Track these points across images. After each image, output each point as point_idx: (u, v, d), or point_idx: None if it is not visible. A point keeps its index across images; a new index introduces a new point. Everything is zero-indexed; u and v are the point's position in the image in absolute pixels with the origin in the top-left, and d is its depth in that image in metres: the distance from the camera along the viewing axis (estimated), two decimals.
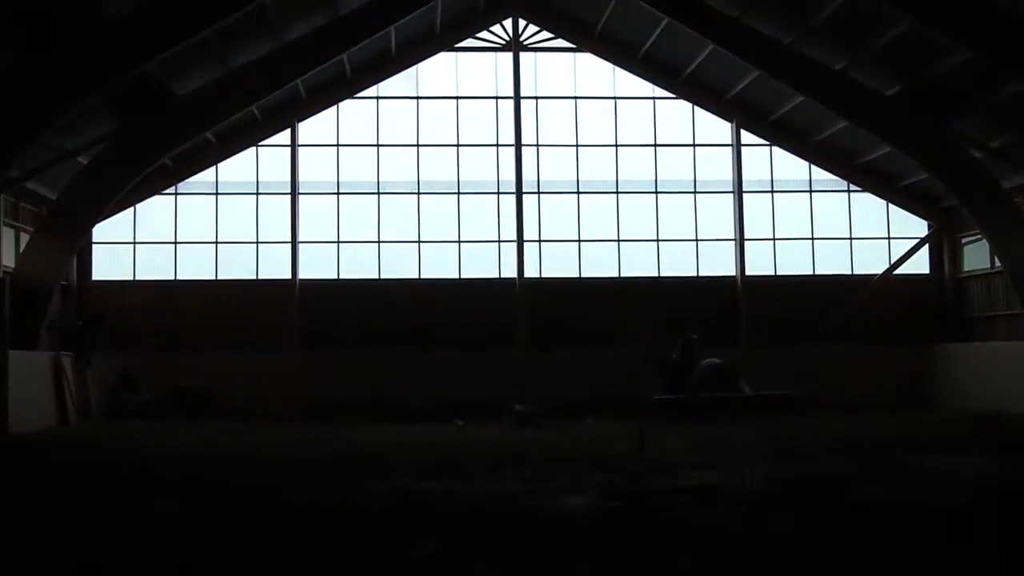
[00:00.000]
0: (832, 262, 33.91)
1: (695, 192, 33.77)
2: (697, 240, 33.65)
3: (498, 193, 33.39)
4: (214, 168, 32.79)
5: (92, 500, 12.23)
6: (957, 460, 15.56)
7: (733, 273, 33.50)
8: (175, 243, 32.74)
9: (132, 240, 32.69)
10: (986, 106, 27.46)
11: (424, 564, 8.15)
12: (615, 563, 8.10)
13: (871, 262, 33.95)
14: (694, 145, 33.89)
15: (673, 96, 33.71)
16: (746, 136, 33.85)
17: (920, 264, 34.35)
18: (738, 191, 33.73)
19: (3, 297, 6.36)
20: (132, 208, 32.15)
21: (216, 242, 32.84)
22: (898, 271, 33.92)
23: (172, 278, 32.67)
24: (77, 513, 11.15)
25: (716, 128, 33.95)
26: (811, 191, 33.98)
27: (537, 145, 33.54)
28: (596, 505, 11.11)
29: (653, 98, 33.75)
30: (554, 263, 33.31)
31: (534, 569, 7.91)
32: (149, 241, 32.74)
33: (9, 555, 8.55)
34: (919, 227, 34.30)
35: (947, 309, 33.84)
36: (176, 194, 32.72)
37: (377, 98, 33.37)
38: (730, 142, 33.88)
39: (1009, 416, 24.86)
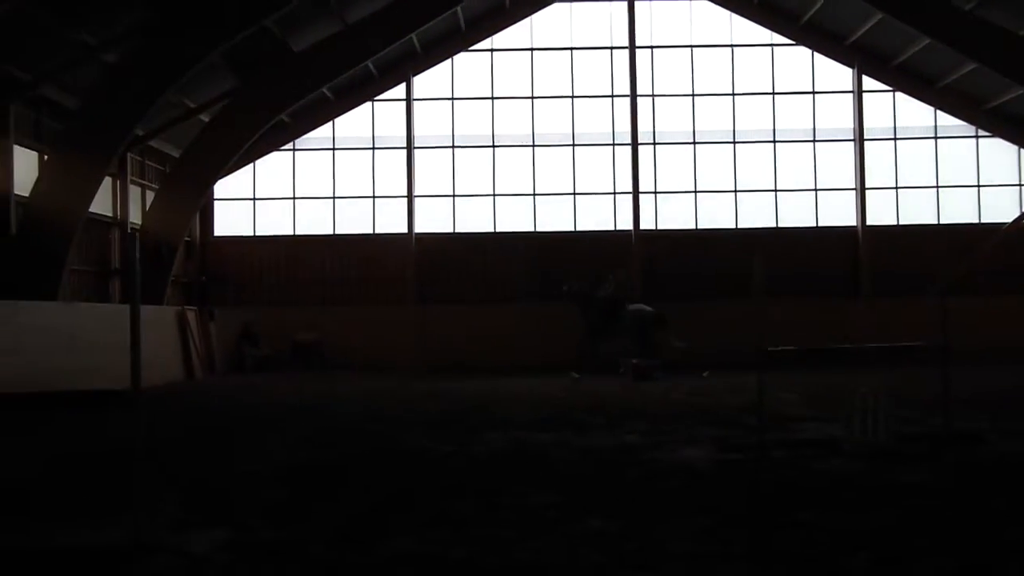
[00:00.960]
0: (958, 210, 33.11)
1: (814, 140, 33.16)
2: (816, 190, 33.09)
3: (613, 144, 33.16)
4: (331, 124, 33.07)
5: (219, 453, 12.50)
6: None
7: (854, 223, 32.90)
8: (294, 198, 33.17)
9: (252, 196, 33.22)
10: None
11: (541, 514, 8.18)
12: (734, 515, 8.05)
13: (1000, 210, 33.02)
14: (813, 92, 33.24)
15: (792, 43, 33.04)
16: (868, 82, 33.08)
17: None
18: (859, 139, 33.03)
19: (134, 252, 6.52)
20: (252, 164, 32.63)
21: (334, 197, 33.16)
22: None
23: (291, 233, 33.11)
24: (212, 464, 11.43)
25: (836, 74, 33.24)
26: (936, 137, 33.17)
27: (652, 96, 33.20)
28: (714, 458, 11.06)
29: (771, 45, 33.13)
30: (670, 215, 33.04)
31: (652, 520, 7.89)
32: (269, 197, 33.22)
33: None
34: None
35: None
36: (294, 150, 33.09)
37: (492, 51, 33.28)
38: (851, 88, 33.14)
39: None
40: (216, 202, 33.15)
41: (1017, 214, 32.79)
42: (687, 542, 7.10)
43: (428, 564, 6.61)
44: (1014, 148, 33.08)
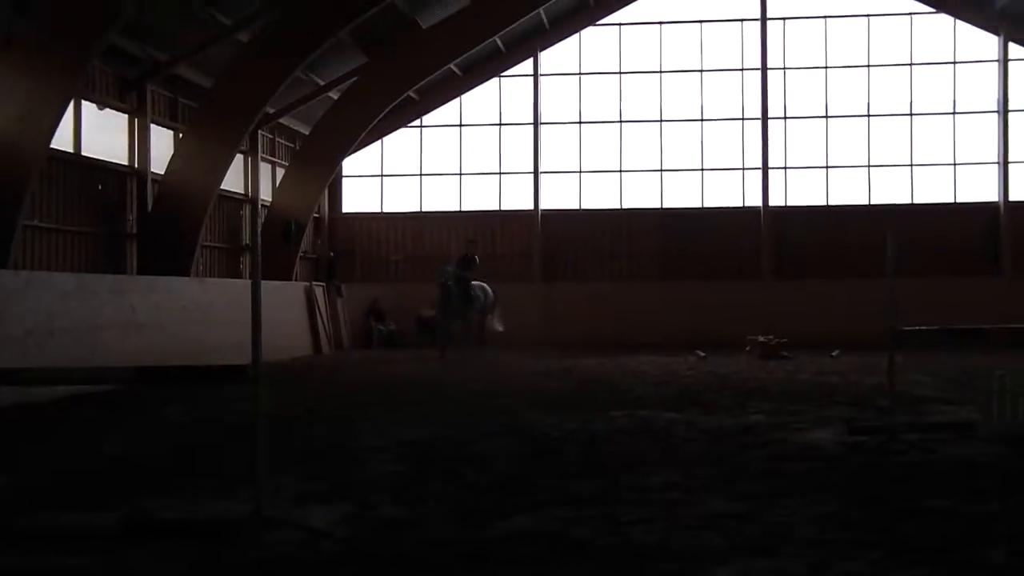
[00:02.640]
0: None
1: (954, 113, 32.24)
2: (956, 164, 32.19)
3: (743, 119, 32.71)
4: (458, 100, 33.18)
5: (343, 428, 12.62)
6: None
7: (996, 198, 31.94)
8: (420, 175, 33.39)
9: (380, 173, 33.53)
10: None
11: (664, 494, 8.08)
12: (862, 498, 7.84)
13: None
14: (955, 63, 32.29)
15: (932, 10, 32.10)
16: (1014, 50, 32.01)
17: None
18: (1003, 110, 32.00)
19: (255, 225, 6.56)
20: (380, 141, 32.92)
21: (460, 173, 33.31)
22: None
23: (417, 210, 33.35)
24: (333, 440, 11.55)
25: (980, 43, 32.23)
26: None
27: (784, 68, 32.62)
28: (842, 440, 10.82)
29: (910, 14, 32.27)
30: (800, 190, 32.47)
31: (778, 500, 7.74)
32: (396, 173, 33.51)
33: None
34: None
35: None
36: (421, 127, 33.29)
37: (620, 24, 33.05)
38: (996, 58, 32.10)
39: None
40: (344, 179, 33.61)
41: None
42: (812, 527, 6.93)
43: (546, 543, 6.55)
44: None
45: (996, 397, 10.93)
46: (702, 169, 32.67)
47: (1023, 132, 32.01)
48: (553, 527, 6.97)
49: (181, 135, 24.18)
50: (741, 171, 32.58)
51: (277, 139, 30.45)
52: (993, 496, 7.95)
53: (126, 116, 22.85)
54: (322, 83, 28.79)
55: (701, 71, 32.81)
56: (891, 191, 32.16)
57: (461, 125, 33.29)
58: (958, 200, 32.08)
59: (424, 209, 33.37)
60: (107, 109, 22.17)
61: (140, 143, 23.02)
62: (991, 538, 6.65)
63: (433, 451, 10.38)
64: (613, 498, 7.96)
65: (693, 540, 6.60)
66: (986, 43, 32.17)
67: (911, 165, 32.18)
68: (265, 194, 29.33)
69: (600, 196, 32.97)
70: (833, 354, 24.13)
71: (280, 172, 30.14)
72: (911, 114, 32.24)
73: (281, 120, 29.13)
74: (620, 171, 32.84)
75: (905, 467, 9.20)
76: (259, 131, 28.24)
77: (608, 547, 6.45)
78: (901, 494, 8.02)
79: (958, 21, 32.08)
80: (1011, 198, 31.76)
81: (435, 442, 11.03)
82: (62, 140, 20.00)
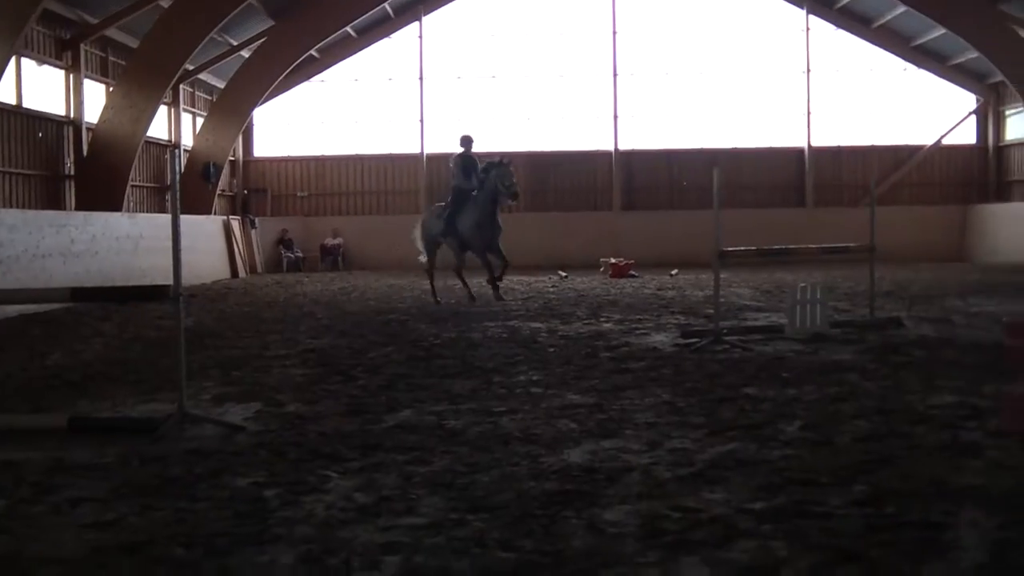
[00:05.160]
0: (889, 133, 32.78)
1: (763, 73, 32.74)
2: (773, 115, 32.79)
3: (598, 75, 32.74)
4: (354, 57, 32.65)
5: (255, 339, 12.48)
6: (992, 303, 15.19)
7: (802, 144, 32.61)
8: (321, 123, 33.01)
9: (287, 121, 33.07)
10: None
11: (527, 389, 8.16)
12: (690, 388, 8.02)
13: (923, 133, 32.79)
14: (767, 30, 32.74)
15: None
16: (814, 21, 32.52)
17: (967, 134, 33.09)
18: (807, 71, 32.57)
19: (175, 168, 6.39)
20: (286, 93, 32.26)
21: (355, 121, 32.98)
22: (947, 140, 32.81)
23: (320, 153, 32.93)
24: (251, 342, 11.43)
25: (789, 15, 32.69)
26: (872, 70, 32.76)
27: (633, 32, 32.72)
28: (676, 342, 11.02)
29: None
30: (646, 136, 32.68)
31: (623, 392, 7.87)
32: (300, 121, 33.09)
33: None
34: (968, 101, 32.92)
35: (989, 174, 32.70)
36: (323, 81, 32.75)
37: None
38: (802, 27, 32.58)
39: None
40: (256, 126, 32.97)
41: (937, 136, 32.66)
42: (649, 413, 7.07)
43: (427, 432, 6.59)
44: (936, 79, 32.61)
45: (798, 305, 11.23)
46: (564, 118, 32.76)
47: (822, 89, 32.66)
48: (433, 419, 7.00)
49: (112, 89, 23.63)
50: (596, 119, 32.70)
51: (196, 92, 29.82)
52: (793, 383, 8.20)
53: (63, 72, 22.34)
54: (235, 43, 28.25)
55: (560, 33, 32.75)
56: (720, 137, 32.57)
57: (356, 79, 32.84)
58: (773, 145, 32.69)
59: (325, 153, 32.94)
60: (45, 66, 21.77)
61: (75, 96, 22.61)
62: (789, 416, 6.89)
63: (331, 358, 10.32)
64: (485, 394, 8.01)
65: (551, 427, 6.67)
66: (794, 15, 32.62)
67: (735, 115, 32.64)
68: (187, 140, 28.78)
69: (479, 141, 32.76)
70: (672, 273, 24.47)
71: (200, 121, 29.56)
72: (735, 72, 32.64)
73: (200, 76, 28.51)
74: (494, 117, 32.65)
75: (726, 363, 9.41)
76: (180, 85, 27.65)
77: (479, 434, 6.50)
78: (722, 384, 8.21)
79: None
80: (813, 144, 32.47)
81: (333, 350, 10.96)
82: (6, 94, 19.94)
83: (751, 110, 32.61)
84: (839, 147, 32.63)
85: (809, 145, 32.44)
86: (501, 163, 17.01)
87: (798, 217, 30.82)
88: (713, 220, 10.63)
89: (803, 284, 11.62)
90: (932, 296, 16.58)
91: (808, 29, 32.49)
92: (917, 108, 32.84)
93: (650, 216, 30.95)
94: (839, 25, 32.41)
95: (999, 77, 29.69)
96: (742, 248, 12.90)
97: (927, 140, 32.68)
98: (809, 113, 32.53)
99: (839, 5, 31.72)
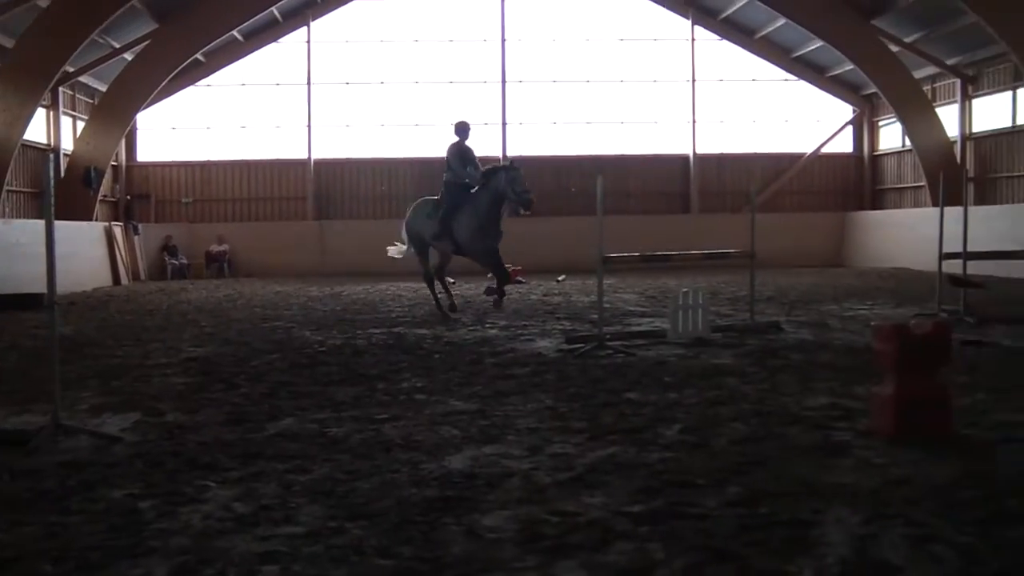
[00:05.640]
0: (771, 142, 33.58)
1: (653, 81, 33.26)
2: (655, 123, 33.29)
3: (486, 82, 32.84)
4: (241, 62, 32.14)
5: (136, 347, 12.20)
6: (866, 307, 15.65)
7: (688, 152, 33.19)
8: (207, 128, 32.41)
9: (171, 126, 32.42)
10: (904, 7, 27.04)
11: (411, 396, 8.14)
12: (573, 394, 8.09)
13: (803, 142, 33.70)
14: (653, 40, 33.26)
15: None
16: (699, 32, 33.16)
17: (845, 144, 34.13)
18: (692, 80, 33.20)
19: (48, 173, 6.12)
20: (171, 97, 31.59)
21: (242, 127, 32.46)
22: (826, 149, 33.78)
23: (205, 158, 32.37)
24: (127, 354, 11.15)
25: (675, 25, 33.25)
26: (755, 80, 33.53)
27: (519, 40, 32.89)
28: (560, 347, 11.09)
29: None
30: (536, 143, 32.85)
31: (506, 398, 7.90)
32: (185, 127, 32.44)
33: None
34: (845, 111, 33.96)
35: (865, 182, 33.77)
36: (208, 86, 32.17)
37: None
38: (687, 37, 33.17)
39: (910, 271, 24.93)
40: (139, 131, 32.20)
41: (816, 145, 33.58)
42: (532, 419, 7.11)
43: (308, 440, 6.52)
44: (815, 90, 33.53)
45: (681, 310, 11.42)
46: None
47: (707, 98, 33.30)
48: (315, 427, 6.93)
49: None
50: (485, 126, 32.70)
51: (77, 95, 28.94)
52: (673, 387, 8.34)
53: None
54: (118, 46, 27.48)
55: (451, 41, 32.76)
56: (607, 144, 32.93)
57: (243, 84, 32.34)
58: (659, 152, 33.20)
59: (211, 158, 32.38)
60: None
61: None
62: (669, 420, 7.00)
63: (214, 366, 10.14)
64: (368, 401, 7.96)
65: (434, 433, 6.67)
66: (680, 25, 33.19)
67: (622, 123, 33.09)
68: (67, 144, 27.92)
69: (367, 147, 32.69)
70: (559, 279, 24.63)
71: (80, 125, 28.71)
72: (621, 81, 33.08)
73: (81, 78, 27.75)
74: (382, 125, 32.57)
75: (608, 368, 9.51)
76: (60, 88, 26.81)
77: (361, 441, 6.46)
78: (604, 389, 8.30)
79: (657, 5, 32.98)
80: (698, 151, 33.08)
81: (216, 358, 10.78)
82: None
83: (638, 118, 33.08)
84: (723, 155, 33.30)
85: (694, 152, 33.04)
86: (512, 167, 15.49)
87: (683, 223, 31.36)
88: (597, 226, 10.74)
89: (685, 289, 11.82)
90: (810, 301, 17.02)
91: (693, 39, 33.09)
92: (798, 117, 33.75)
93: (538, 222, 30.90)
94: (723, 36, 33.09)
95: (873, 89, 30.61)
96: (626, 254, 13.07)
97: (807, 149, 33.57)
98: (694, 121, 33.14)
99: (723, 16, 32.38)
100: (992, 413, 7.02)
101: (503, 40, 32.66)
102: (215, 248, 30.51)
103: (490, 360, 10.21)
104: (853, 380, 8.30)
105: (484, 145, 31.94)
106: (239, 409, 7.67)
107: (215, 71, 31.85)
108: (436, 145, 32.08)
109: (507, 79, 32.72)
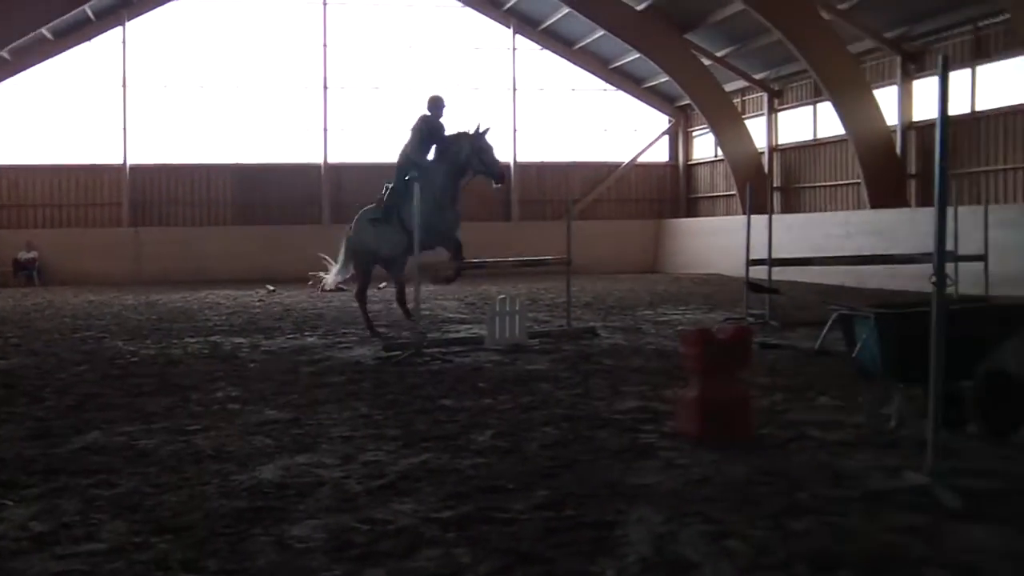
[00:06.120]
0: (590, 150, 34.29)
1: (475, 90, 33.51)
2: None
3: (305, 88, 32.47)
4: (51, 61, 30.82)
5: None
6: (679, 312, 16.17)
7: (509, 160, 33.55)
8: (15, 130, 30.96)
9: None
10: (714, 22, 28.03)
11: (224, 406, 8.00)
12: (388, 401, 8.10)
13: (621, 151, 34.56)
14: (475, 49, 33.53)
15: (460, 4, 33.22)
16: (521, 41, 33.62)
17: (661, 153, 35.16)
18: (514, 87, 33.62)
19: None
20: None
21: (53, 130, 31.16)
22: (643, 158, 34.72)
23: (13, 163, 30.89)
24: None
25: (495, 33, 33.60)
26: (574, 90, 34.19)
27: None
28: (378, 355, 11.08)
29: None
30: (357, 149, 32.66)
31: (322, 406, 7.86)
32: None
33: None
34: (661, 121, 35.01)
35: (680, 190, 34.88)
36: (16, 85, 30.76)
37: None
38: (509, 47, 33.60)
39: (722, 277, 25.83)
40: None
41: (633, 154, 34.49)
42: (346, 427, 7.09)
43: (115, 453, 6.34)
44: (632, 100, 34.45)
45: (498, 317, 11.56)
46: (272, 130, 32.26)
47: (527, 106, 33.78)
48: (123, 440, 6.74)
49: None
50: (307, 131, 32.38)
51: None
52: (488, 393, 8.45)
53: None
54: None
55: (272, 47, 32.24)
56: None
57: (54, 85, 31.04)
58: None
59: (20, 162, 30.90)
60: None
61: None
62: (482, 425, 7.10)
63: (18, 379, 9.72)
64: (181, 412, 7.79)
65: (246, 444, 6.58)
66: (502, 34, 33.57)
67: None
68: None
69: (185, 152, 31.85)
70: (380, 286, 24.29)
71: None
72: (443, 88, 33.14)
73: None
74: (201, 130, 31.78)
75: (425, 375, 9.56)
76: None
77: (171, 453, 6.32)
78: (420, 396, 8.34)
79: (479, 14, 33.29)
80: (519, 160, 33.52)
81: (21, 370, 10.34)
82: None
83: (461, 125, 33.09)
84: (543, 163, 33.84)
85: (515, 161, 33.42)
86: (479, 132, 13.31)
87: (504, 231, 31.65)
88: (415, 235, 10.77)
89: (503, 296, 11.97)
90: (626, 306, 17.46)
91: (515, 49, 33.52)
92: (616, 127, 34.57)
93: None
94: (544, 46, 33.64)
95: (687, 100, 31.62)
96: (443, 261, 13.16)
97: (624, 157, 34.44)
98: (515, 130, 33.54)
99: (543, 27, 32.90)
100: (788, 413, 7.37)
101: (325, 45, 32.35)
102: (23, 255, 29.16)
103: (307, 369, 10.13)
104: (662, 384, 8.58)
105: (305, 151, 31.79)
106: (43, 423, 7.39)
107: (22, 70, 30.43)
108: (257, 151, 31.72)
109: (328, 85, 32.41)
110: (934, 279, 5.24)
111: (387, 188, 14.20)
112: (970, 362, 6.53)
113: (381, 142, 32.51)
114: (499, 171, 13.50)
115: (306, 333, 13.75)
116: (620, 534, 4.59)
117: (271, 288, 24.08)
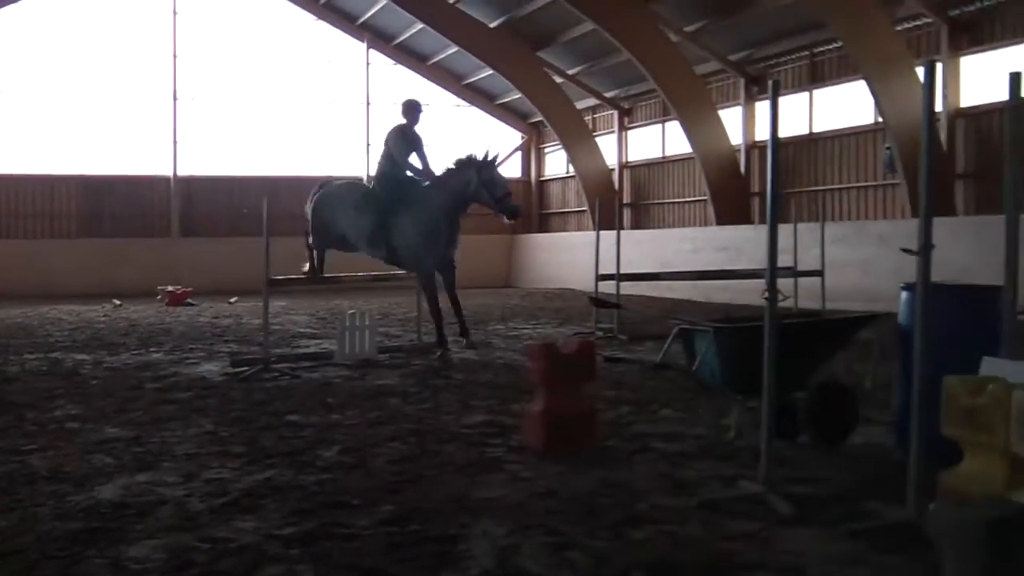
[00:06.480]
0: (446, 166, 34.22)
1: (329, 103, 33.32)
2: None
3: (152, 99, 31.71)
4: None
5: None
6: (529, 326, 16.35)
7: (361, 173, 33.42)
8: None
9: None
10: (566, 41, 28.48)
11: (63, 424, 7.75)
12: (234, 418, 7.97)
13: None
14: (328, 62, 33.30)
15: (315, 18, 32.91)
16: (375, 55, 33.53)
17: (514, 169, 35.52)
18: (367, 102, 33.50)
19: None
20: None
21: None
22: None
23: None
24: None
25: (350, 48, 33.42)
26: (428, 105, 34.12)
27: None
28: (225, 371, 10.88)
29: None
30: (208, 162, 32.01)
31: (165, 424, 7.68)
32: None
33: None
34: (514, 137, 35.42)
35: (532, 206, 35.24)
36: None
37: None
38: (363, 61, 33.47)
39: (574, 291, 26.16)
40: None
41: None
42: (190, 444, 6.95)
43: None
44: (486, 116, 34.74)
45: (348, 331, 11.48)
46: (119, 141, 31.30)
47: (382, 120, 33.67)
48: None
49: None
50: (155, 143, 31.55)
51: None
52: (336, 409, 8.39)
53: None
54: None
55: (121, 55, 31.35)
56: (283, 165, 32.39)
57: None
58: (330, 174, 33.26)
59: None
60: None
61: None
62: (328, 441, 7.05)
63: None
64: (15, 431, 7.50)
65: (85, 463, 6.38)
66: (356, 48, 33.43)
67: (299, 143, 32.85)
68: None
69: (27, 163, 30.66)
70: (231, 301, 24.04)
71: None
72: (296, 102, 32.87)
73: None
74: (43, 137, 30.61)
75: (273, 390, 9.43)
76: None
77: (2, 475, 6.07)
78: (266, 412, 8.23)
79: (335, 28, 33.10)
80: (372, 173, 33.29)
81: None
82: None
83: (313, 140, 32.85)
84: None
85: (369, 175, 33.26)
86: (488, 161, 12.38)
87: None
88: (264, 248, 10.64)
89: (353, 311, 11.90)
90: (478, 321, 17.51)
91: (368, 63, 33.41)
92: (470, 143, 34.66)
93: (211, 243, 30.26)
94: (397, 61, 33.62)
95: (540, 117, 32.03)
96: (294, 276, 13.01)
97: None
98: (368, 144, 33.38)
99: (397, 42, 32.87)
100: (633, 425, 7.53)
101: (175, 55, 31.59)
102: None
103: (151, 385, 9.88)
104: (511, 398, 8.67)
105: (153, 163, 31.01)
106: None
107: None
108: (102, 162, 30.80)
109: (179, 96, 31.68)
110: (767, 294, 5.44)
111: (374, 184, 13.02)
112: (803, 374, 6.81)
113: (233, 155, 32.12)
114: (514, 208, 12.42)
115: (152, 349, 13.40)
116: (463, 548, 4.62)
117: (117, 303, 23.36)
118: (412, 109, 12.90)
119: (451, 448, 6.79)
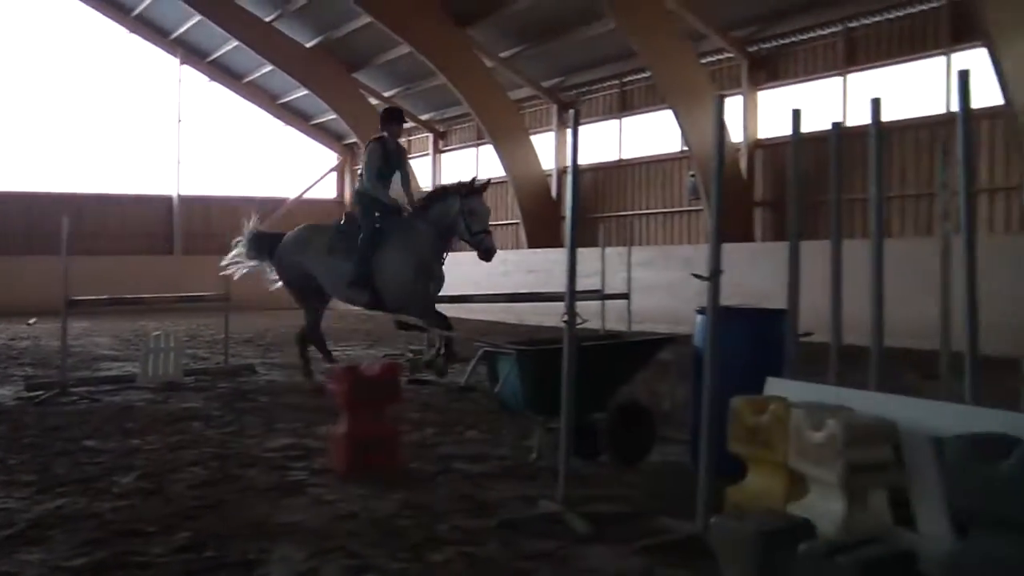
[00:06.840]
0: (259, 186, 33.76)
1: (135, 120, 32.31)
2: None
3: None
4: None
5: None
6: (339, 349, 16.26)
7: (172, 193, 32.57)
8: None
9: None
10: (382, 63, 28.52)
11: None
12: (26, 444, 7.63)
13: (290, 186, 34.35)
14: (138, 78, 32.33)
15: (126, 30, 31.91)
16: (188, 71, 32.75)
17: (329, 189, 35.31)
18: (179, 120, 32.67)
19: None
20: None
21: None
22: (309, 195, 34.64)
23: None
24: None
25: (162, 63, 32.54)
26: (243, 124, 33.70)
27: None
28: (19, 395, 10.40)
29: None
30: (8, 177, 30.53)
31: None
32: None
33: None
34: (329, 158, 35.19)
35: None
36: None
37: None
38: (176, 77, 32.64)
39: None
40: None
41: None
42: None
43: None
44: (302, 136, 34.45)
45: (152, 353, 11.17)
46: None
47: (194, 139, 32.90)
48: None
49: None
50: None
51: None
52: (136, 434, 8.15)
53: None
54: None
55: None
56: (87, 182, 31.26)
57: None
58: (143, 192, 32.26)
59: None
60: None
61: None
62: (126, 467, 6.84)
63: None
64: None
65: None
66: (169, 64, 32.58)
67: (104, 160, 31.70)
68: None
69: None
70: (30, 322, 22.96)
71: None
72: (106, 118, 31.77)
73: None
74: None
75: (70, 415, 9.08)
76: None
77: None
78: (62, 438, 7.91)
79: (147, 43, 32.17)
80: (183, 193, 32.55)
81: None
82: None
83: (121, 156, 31.78)
84: (210, 197, 32.94)
85: (179, 194, 32.47)
86: (473, 188, 10.79)
87: (167, 265, 30.47)
88: (63, 267, 10.26)
89: (157, 332, 11.59)
90: (287, 342, 17.21)
91: (181, 80, 32.61)
92: (285, 162, 34.30)
93: (5, 262, 28.78)
94: (212, 78, 32.95)
95: (355, 138, 31.90)
96: (94, 297, 12.57)
97: (293, 193, 34.19)
98: (179, 162, 32.58)
99: (211, 58, 32.23)
100: (438, 447, 7.58)
101: None
102: None
103: None
104: (316, 420, 8.57)
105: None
106: None
107: None
108: None
109: None
110: (566, 318, 5.60)
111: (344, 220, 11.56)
112: (603, 395, 7.01)
113: (36, 170, 30.72)
114: (490, 247, 10.81)
115: None
116: (261, 573, 4.58)
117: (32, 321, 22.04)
118: (390, 119, 11.49)
119: (253, 472, 6.69)
